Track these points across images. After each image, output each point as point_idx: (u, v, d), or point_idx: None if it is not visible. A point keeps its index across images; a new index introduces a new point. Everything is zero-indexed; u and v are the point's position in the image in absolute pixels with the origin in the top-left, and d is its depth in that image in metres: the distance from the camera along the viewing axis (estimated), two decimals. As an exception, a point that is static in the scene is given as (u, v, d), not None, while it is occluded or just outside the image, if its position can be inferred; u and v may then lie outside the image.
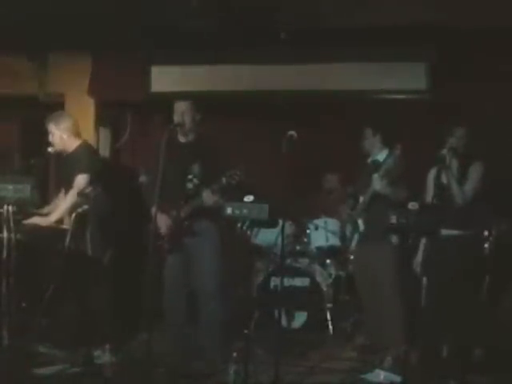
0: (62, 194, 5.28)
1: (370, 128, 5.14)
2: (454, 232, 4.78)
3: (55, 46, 6.72)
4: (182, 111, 4.80)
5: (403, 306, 4.89)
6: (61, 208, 5.07)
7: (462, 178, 4.84)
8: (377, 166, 5.01)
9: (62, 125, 5.19)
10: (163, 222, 4.73)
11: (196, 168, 4.76)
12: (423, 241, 4.98)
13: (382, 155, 5.10)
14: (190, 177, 4.76)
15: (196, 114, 4.85)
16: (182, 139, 4.90)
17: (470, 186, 4.83)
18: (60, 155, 5.31)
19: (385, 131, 5.15)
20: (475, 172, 4.85)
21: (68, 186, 5.08)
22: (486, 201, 4.88)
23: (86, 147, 5.26)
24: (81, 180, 5.00)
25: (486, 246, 4.94)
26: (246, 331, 4.28)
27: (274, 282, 5.93)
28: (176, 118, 4.81)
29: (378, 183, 4.86)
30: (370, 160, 5.22)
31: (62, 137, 5.18)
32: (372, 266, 5.01)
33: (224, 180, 4.53)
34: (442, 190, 4.84)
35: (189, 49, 6.58)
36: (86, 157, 5.12)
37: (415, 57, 6.43)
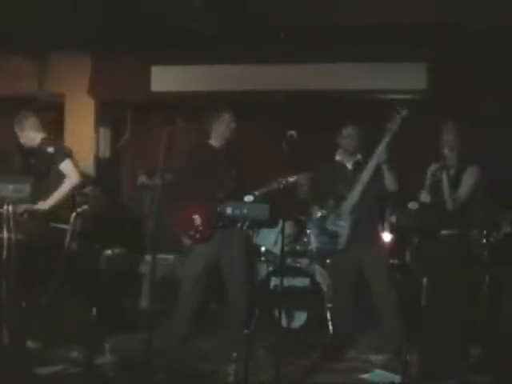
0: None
1: (355, 127, 5.15)
2: (453, 232, 4.77)
3: (55, 45, 6.73)
4: (222, 123, 5.23)
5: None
6: (56, 195, 5.01)
7: (456, 181, 4.77)
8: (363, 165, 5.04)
9: (26, 124, 5.28)
10: (199, 213, 5.12)
11: (233, 171, 5.16)
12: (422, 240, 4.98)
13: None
14: (227, 178, 5.14)
15: (231, 123, 5.24)
16: (214, 143, 5.30)
17: (464, 190, 4.74)
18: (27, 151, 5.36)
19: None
20: (470, 176, 4.77)
21: (45, 178, 5.11)
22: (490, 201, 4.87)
23: (49, 140, 5.33)
24: (67, 164, 5.07)
25: (486, 246, 4.94)
26: (245, 331, 4.27)
27: (274, 282, 5.92)
28: (215, 127, 5.26)
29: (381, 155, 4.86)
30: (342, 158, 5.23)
31: (28, 135, 5.27)
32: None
33: (275, 184, 4.94)
34: (440, 188, 4.82)
35: (189, 49, 6.58)
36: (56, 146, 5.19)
37: (415, 57, 6.43)
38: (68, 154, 5.18)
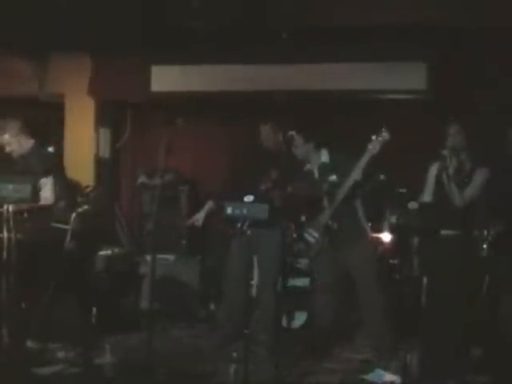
0: None
1: (300, 135, 5.06)
2: (454, 232, 4.77)
3: (55, 46, 6.73)
4: (265, 132, 5.31)
5: None
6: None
7: (464, 181, 4.77)
8: (328, 166, 5.01)
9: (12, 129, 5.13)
10: None
11: (272, 173, 5.09)
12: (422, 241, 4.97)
13: (324, 157, 5.11)
14: (264, 179, 5.10)
15: (276, 134, 5.25)
16: (265, 144, 5.33)
17: (471, 190, 4.75)
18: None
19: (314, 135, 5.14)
20: (479, 177, 4.77)
21: None
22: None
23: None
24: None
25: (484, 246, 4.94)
26: (245, 331, 4.27)
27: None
28: (262, 137, 5.32)
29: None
30: (311, 166, 5.18)
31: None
32: None
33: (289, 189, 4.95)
34: (442, 189, 4.82)
35: (189, 49, 6.58)
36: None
37: (415, 57, 6.43)
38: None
